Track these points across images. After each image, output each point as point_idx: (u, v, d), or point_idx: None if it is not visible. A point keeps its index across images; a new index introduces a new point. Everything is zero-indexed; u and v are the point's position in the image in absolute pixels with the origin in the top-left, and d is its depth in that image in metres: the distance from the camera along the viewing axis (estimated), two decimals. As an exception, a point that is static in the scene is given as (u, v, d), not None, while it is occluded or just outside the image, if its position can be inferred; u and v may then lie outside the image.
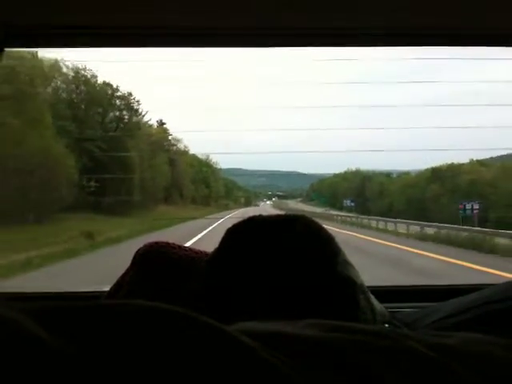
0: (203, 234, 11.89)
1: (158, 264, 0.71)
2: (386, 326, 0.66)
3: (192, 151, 26.61)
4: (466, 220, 18.56)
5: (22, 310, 0.30)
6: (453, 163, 28.38)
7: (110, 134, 13.95)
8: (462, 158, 28.43)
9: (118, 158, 13.77)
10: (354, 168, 36.61)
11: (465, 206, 19.65)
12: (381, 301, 0.67)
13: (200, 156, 28.43)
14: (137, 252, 0.74)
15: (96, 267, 8.11)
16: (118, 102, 15.83)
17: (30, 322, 0.29)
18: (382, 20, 1.23)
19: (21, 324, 0.29)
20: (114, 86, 15.68)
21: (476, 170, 26.69)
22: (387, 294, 1.17)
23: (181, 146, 24.32)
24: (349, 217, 22.66)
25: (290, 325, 0.39)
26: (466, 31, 1.30)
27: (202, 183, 27.56)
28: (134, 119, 16.52)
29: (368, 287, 0.64)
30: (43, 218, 10.36)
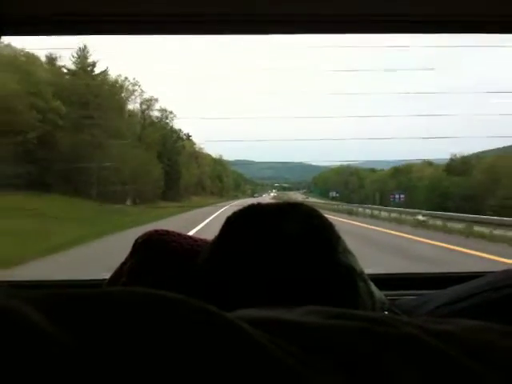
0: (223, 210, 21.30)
1: (158, 252, 0.70)
2: (386, 313, 0.66)
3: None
4: (398, 206, 24.27)
5: (22, 298, 0.30)
6: (409, 163, 32.70)
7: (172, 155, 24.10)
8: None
9: (175, 168, 23.43)
10: (345, 164, 40.91)
11: (395, 196, 26.60)
12: (381, 288, 0.67)
13: (214, 156, 35.66)
14: (136, 240, 0.73)
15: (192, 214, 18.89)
16: (173, 134, 25.64)
17: (30, 309, 0.29)
18: (383, 6, 1.19)
19: (21, 312, 0.28)
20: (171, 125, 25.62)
21: (422, 169, 31.00)
22: (387, 281, 1.15)
23: (203, 151, 33.39)
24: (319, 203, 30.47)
25: (290, 312, 0.39)
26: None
27: (216, 178, 34.61)
28: (181, 143, 26.35)
29: (368, 275, 0.63)
30: (151, 202, 20.70)
